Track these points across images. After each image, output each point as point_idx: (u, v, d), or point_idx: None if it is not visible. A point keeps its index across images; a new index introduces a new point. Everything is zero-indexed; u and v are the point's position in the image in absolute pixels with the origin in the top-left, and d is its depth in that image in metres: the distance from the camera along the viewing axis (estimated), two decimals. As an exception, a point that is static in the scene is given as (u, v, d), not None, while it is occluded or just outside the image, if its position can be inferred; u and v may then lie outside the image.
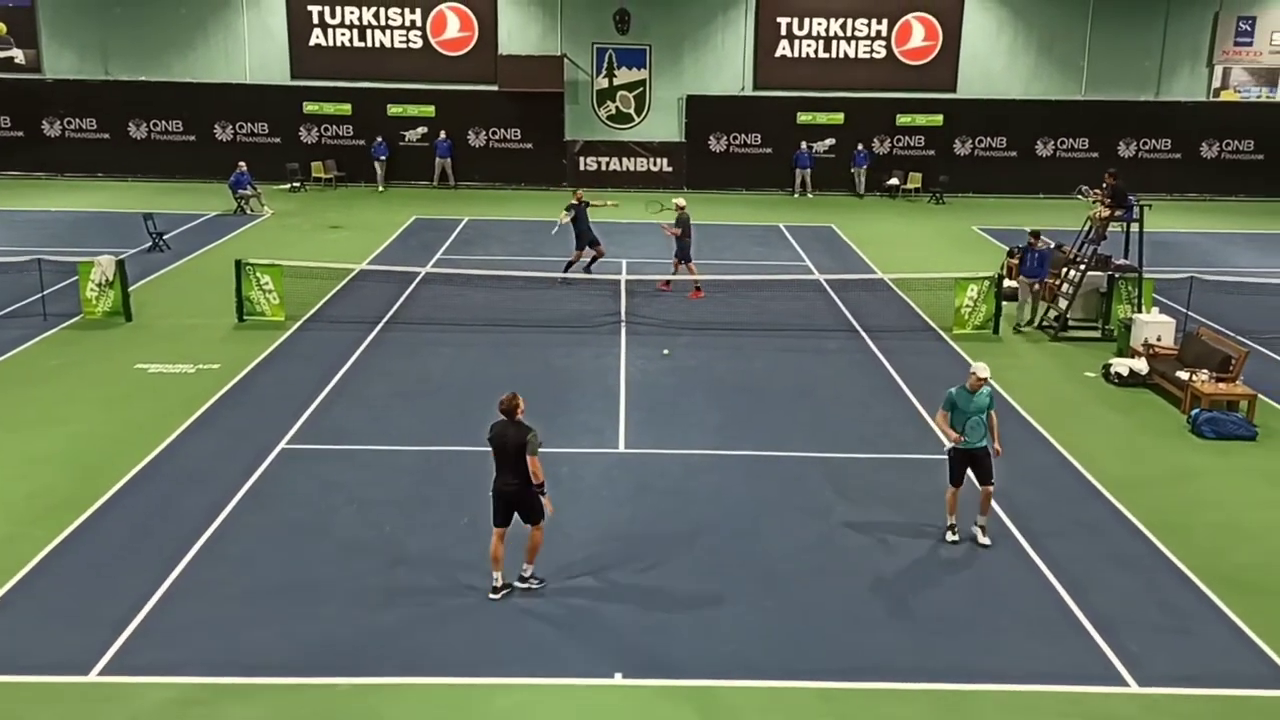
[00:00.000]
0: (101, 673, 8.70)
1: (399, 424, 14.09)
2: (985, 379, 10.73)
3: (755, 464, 12.96)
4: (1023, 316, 19.19)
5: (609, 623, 9.52)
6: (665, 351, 15.43)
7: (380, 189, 33.08)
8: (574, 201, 21.70)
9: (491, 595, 9.83)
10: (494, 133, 34.90)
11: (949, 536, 11.04)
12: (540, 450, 9.72)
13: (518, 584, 10.00)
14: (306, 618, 9.48)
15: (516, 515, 9.82)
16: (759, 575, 10.36)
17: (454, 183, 34.34)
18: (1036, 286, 19.08)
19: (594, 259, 21.71)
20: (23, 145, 34.40)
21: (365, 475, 12.44)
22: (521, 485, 9.69)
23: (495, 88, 34.13)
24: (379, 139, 33.71)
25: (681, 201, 21.55)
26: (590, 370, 16.47)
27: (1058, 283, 19.67)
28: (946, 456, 11.09)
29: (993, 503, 11.17)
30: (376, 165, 33.60)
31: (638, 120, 35.06)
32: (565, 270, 21.49)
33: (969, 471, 10.98)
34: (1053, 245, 21.18)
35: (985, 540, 10.96)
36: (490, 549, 9.89)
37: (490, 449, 9.87)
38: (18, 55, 34.04)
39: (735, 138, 34.97)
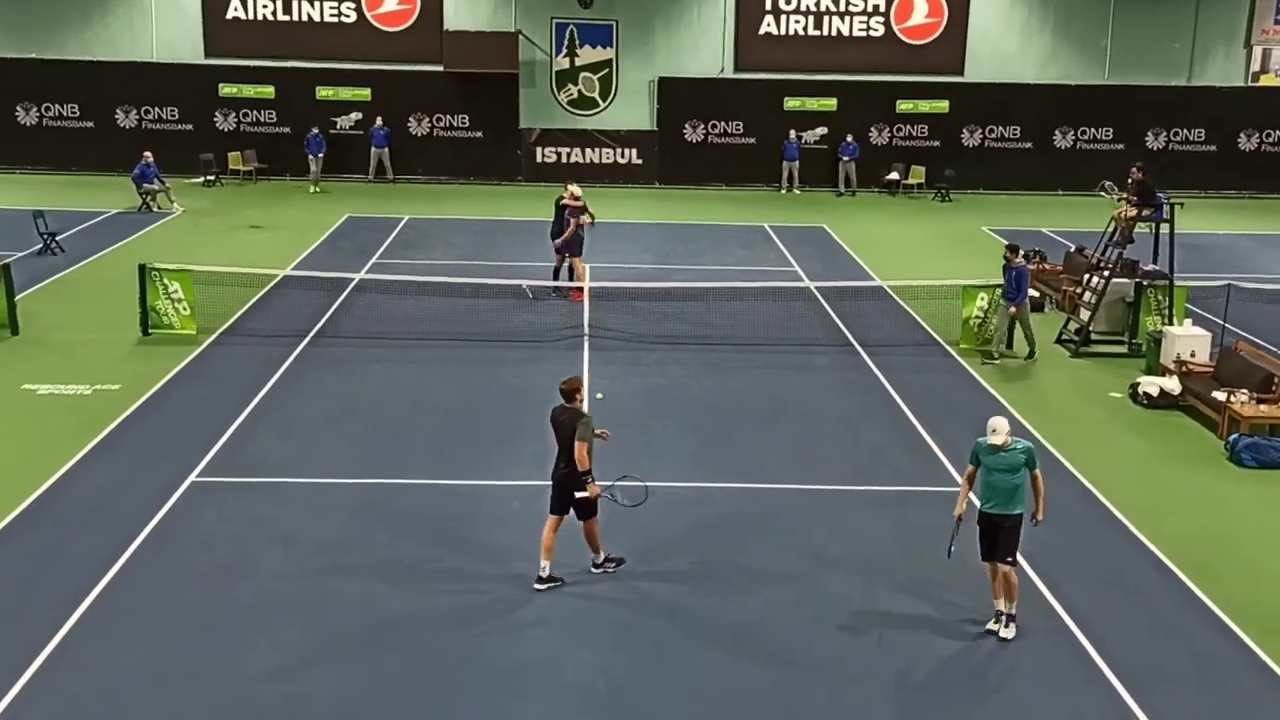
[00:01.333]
0: (-20, 743, 8.61)
1: (328, 453, 14.02)
2: (1000, 444, 9.98)
3: (734, 497, 13.00)
4: (998, 345, 18.35)
5: (570, 678, 9.51)
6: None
7: (314, 189, 32.67)
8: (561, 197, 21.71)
9: (537, 586, 10.74)
10: (438, 119, 34.91)
11: (991, 625, 10.28)
12: (593, 438, 10.72)
13: (593, 569, 11.02)
14: (222, 677, 9.39)
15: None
16: (738, 624, 10.38)
17: (392, 176, 34.28)
18: (1013, 310, 18.24)
19: (556, 269, 21.73)
20: (-108, 132, 34.10)
21: (289, 512, 12.36)
22: (572, 471, 10.66)
23: (440, 68, 34.15)
24: (314, 130, 33.34)
25: (577, 190, 21.60)
26: (547, 390, 16.36)
27: (1079, 291, 19.89)
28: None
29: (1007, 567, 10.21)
30: (311, 161, 33.18)
31: (603, 106, 35.19)
32: (555, 277, 21.61)
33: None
34: (1072, 249, 21.38)
35: (1006, 633, 10.18)
36: (542, 535, 10.80)
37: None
38: (-114, 28, 33.74)
39: (714, 126, 35.16)
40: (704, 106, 35.03)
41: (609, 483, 11.09)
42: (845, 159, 34.41)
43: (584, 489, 10.66)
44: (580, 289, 21.09)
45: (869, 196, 34.36)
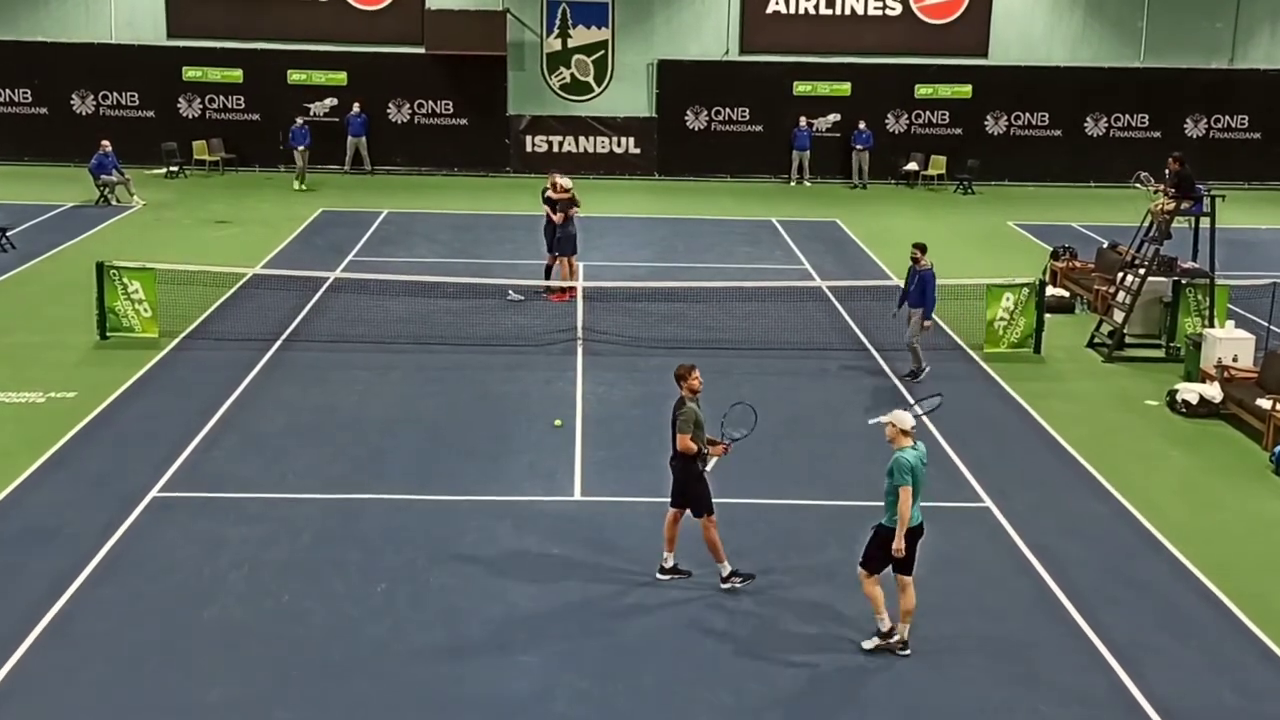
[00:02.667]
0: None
1: (300, 467, 14.00)
2: (884, 424, 10.43)
3: (741, 514, 12.95)
4: (918, 360, 17.60)
5: (561, 708, 9.47)
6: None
7: (298, 186, 31.86)
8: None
9: (659, 575, 11.40)
10: (420, 106, 34.90)
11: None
12: (692, 429, 11.14)
13: (723, 586, 11.24)
14: (187, 700, 9.37)
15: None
16: (747, 653, 10.37)
17: (370, 167, 34.27)
18: (927, 323, 17.47)
19: (548, 267, 21.68)
20: None
21: (257, 531, 12.34)
22: (677, 462, 11.25)
23: (421, 50, 34.15)
24: (300, 121, 32.55)
25: (567, 182, 21.50)
26: (539, 399, 16.44)
27: (1112, 291, 19.88)
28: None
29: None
30: (297, 155, 32.21)
31: (597, 90, 35.19)
32: (547, 276, 21.60)
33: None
34: (1104, 245, 21.33)
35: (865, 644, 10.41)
36: (664, 527, 11.46)
37: None
38: None
39: (718, 112, 35.16)
40: (707, 91, 34.99)
41: (726, 440, 11.43)
42: (859, 148, 34.37)
43: (690, 482, 11.18)
44: (562, 290, 21.09)
45: (886, 189, 34.33)
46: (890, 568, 10.29)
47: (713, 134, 35.26)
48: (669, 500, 11.43)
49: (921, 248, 17.60)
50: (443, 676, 9.91)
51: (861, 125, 34.30)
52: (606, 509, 13.08)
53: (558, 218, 21.10)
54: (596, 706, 9.57)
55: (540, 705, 9.54)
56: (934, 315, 17.61)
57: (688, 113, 35.11)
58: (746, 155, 35.08)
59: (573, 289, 21.21)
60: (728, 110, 35.14)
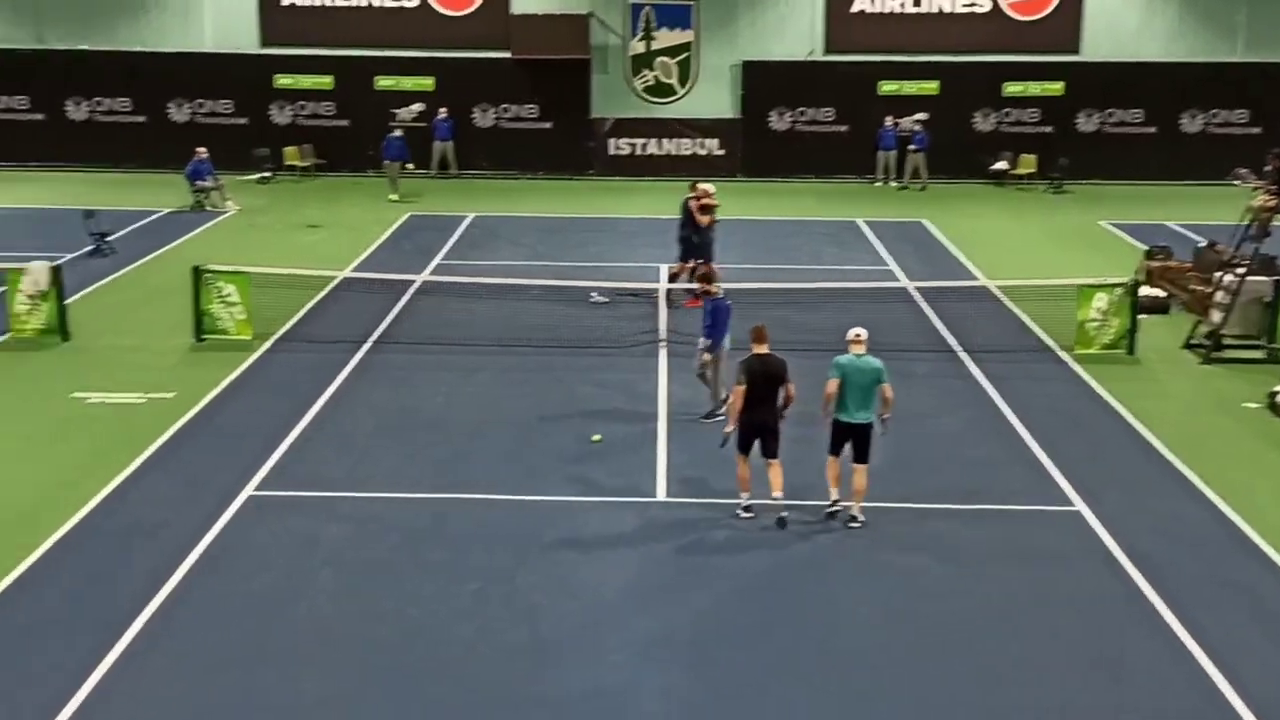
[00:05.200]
0: (28, 769, 8.83)
1: (389, 467, 14.22)
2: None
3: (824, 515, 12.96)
4: (715, 395, 15.79)
5: (647, 706, 9.52)
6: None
7: (393, 197, 31.28)
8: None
9: (745, 514, 12.78)
10: (505, 110, 35.22)
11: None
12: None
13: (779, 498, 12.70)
14: (277, 699, 9.57)
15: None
16: (826, 654, 10.38)
17: (456, 171, 34.65)
18: (706, 356, 15.70)
19: (675, 275, 21.51)
20: (-62, 129, 35.12)
21: (348, 530, 12.56)
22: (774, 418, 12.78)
23: (507, 54, 34.47)
24: (395, 132, 32.16)
25: (710, 188, 21.36)
26: (622, 400, 16.52)
27: (1209, 291, 19.52)
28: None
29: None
30: (388, 166, 31.66)
31: (681, 93, 35.24)
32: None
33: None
34: (1202, 244, 20.93)
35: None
36: (741, 473, 12.82)
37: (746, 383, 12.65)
38: (-67, 21, 34.84)
39: (802, 113, 35.06)
40: (791, 92, 34.91)
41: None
42: (913, 149, 33.98)
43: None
44: (696, 295, 21.08)
45: (974, 188, 33.93)
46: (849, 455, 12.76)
47: (797, 135, 35.17)
48: (774, 454, 12.86)
49: (706, 278, 16.10)
50: (529, 675, 10.00)
51: (917, 126, 33.98)
52: (690, 510, 13.11)
53: (704, 220, 20.99)
54: (682, 704, 9.61)
55: (628, 702, 9.60)
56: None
57: (772, 114, 35.03)
58: (831, 156, 34.92)
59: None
60: (812, 111, 35.02)
